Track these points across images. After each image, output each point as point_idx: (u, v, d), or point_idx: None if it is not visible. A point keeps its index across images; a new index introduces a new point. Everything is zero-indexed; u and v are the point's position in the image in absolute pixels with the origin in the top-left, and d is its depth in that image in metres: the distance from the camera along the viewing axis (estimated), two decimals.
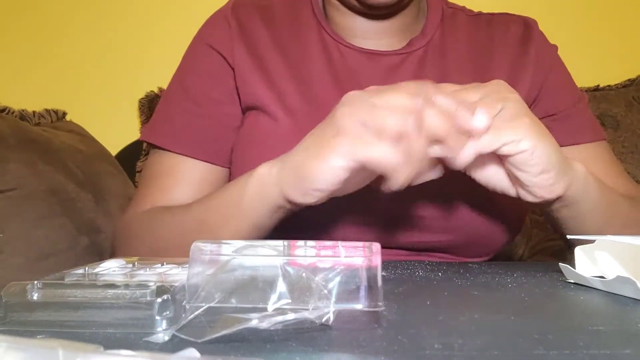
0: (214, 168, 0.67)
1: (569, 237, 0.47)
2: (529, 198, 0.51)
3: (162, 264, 0.38)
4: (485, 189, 0.54)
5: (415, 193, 0.61)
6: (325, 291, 0.30)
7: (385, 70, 0.68)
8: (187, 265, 0.31)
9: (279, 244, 0.33)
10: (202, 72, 0.68)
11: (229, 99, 0.67)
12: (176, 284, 0.31)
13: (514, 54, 0.70)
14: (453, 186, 0.60)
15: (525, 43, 0.70)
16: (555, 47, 0.73)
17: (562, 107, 0.70)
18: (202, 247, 0.32)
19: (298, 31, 0.70)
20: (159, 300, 0.30)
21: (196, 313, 0.29)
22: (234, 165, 0.67)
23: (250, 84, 0.66)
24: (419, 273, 0.49)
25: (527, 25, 0.72)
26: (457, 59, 0.69)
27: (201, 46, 0.69)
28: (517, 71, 0.69)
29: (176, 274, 0.35)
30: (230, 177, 0.67)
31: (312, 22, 0.71)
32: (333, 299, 0.30)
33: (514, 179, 0.50)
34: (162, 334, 0.29)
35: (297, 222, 0.61)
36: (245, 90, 0.66)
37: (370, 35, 0.70)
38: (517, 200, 0.52)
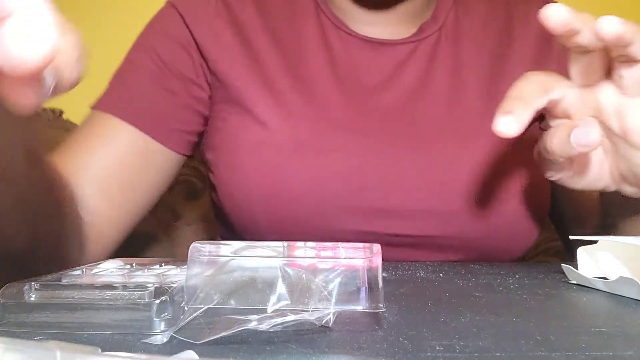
0: (154, 144, 0.61)
1: (571, 237, 0.46)
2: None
3: (161, 265, 0.38)
4: (497, 208, 0.51)
5: (420, 212, 0.59)
6: (325, 292, 0.30)
7: (394, 62, 0.63)
8: (186, 267, 0.31)
9: (279, 245, 0.32)
10: (173, 45, 0.65)
11: (198, 80, 0.63)
12: (175, 285, 0.31)
13: (537, 37, 0.65)
14: (462, 205, 0.58)
15: None
16: None
17: None
18: (201, 248, 0.31)
19: (293, 15, 0.65)
20: (157, 301, 0.29)
21: (195, 314, 0.29)
22: (219, 174, 0.61)
23: (235, 75, 0.62)
24: (420, 274, 0.49)
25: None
26: (474, 44, 0.64)
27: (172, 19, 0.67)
28: (541, 57, 0.64)
29: (175, 275, 0.34)
30: (219, 186, 0.61)
31: (310, 4, 0.65)
32: (333, 301, 0.30)
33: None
34: (160, 335, 0.28)
35: (294, 234, 0.59)
36: (227, 82, 0.62)
37: (375, 22, 0.64)
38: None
